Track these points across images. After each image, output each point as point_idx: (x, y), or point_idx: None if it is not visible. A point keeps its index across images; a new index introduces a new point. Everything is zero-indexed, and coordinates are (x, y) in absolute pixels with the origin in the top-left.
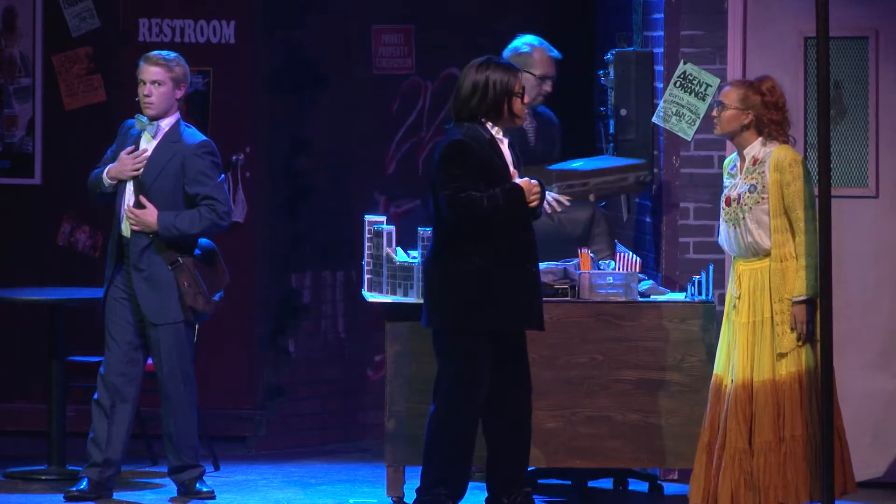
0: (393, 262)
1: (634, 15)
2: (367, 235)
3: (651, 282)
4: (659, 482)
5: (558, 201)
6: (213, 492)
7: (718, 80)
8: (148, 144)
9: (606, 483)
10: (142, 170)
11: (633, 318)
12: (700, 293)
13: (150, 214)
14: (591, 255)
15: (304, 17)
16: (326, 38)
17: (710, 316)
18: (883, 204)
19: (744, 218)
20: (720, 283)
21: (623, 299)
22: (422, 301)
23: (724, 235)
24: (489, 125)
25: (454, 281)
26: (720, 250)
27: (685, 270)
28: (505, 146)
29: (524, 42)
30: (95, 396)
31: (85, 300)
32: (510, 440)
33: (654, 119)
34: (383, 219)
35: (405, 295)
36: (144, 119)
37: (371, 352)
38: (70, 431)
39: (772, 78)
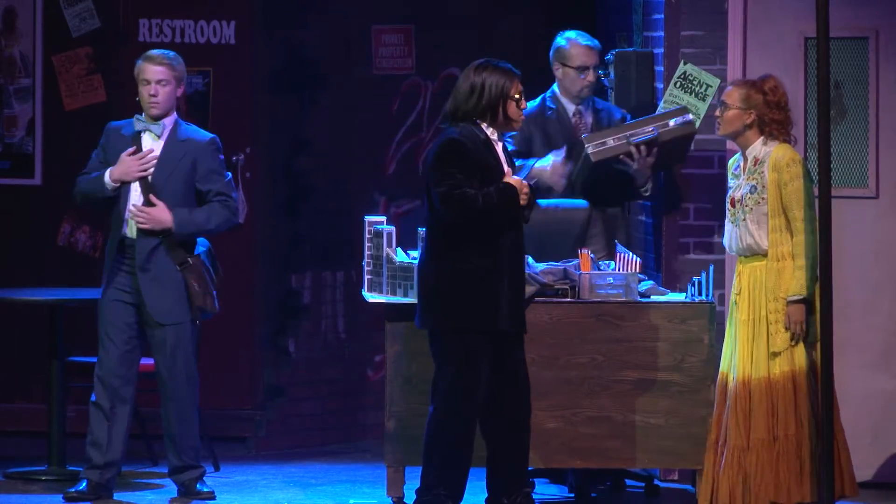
0: (393, 262)
1: (634, 15)
2: (367, 236)
3: (651, 282)
4: (656, 482)
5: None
6: (213, 492)
7: (719, 81)
8: (154, 144)
9: (604, 483)
10: (151, 170)
11: (633, 319)
12: (700, 293)
13: (164, 212)
14: (591, 255)
15: (304, 17)
16: (326, 38)
17: (711, 316)
18: (883, 204)
19: (744, 219)
20: (720, 283)
21: (623, 300)
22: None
23: (727, 235)
24: (484, 126)
25: (449, 281)
26: (720, 250)
27: (685, 271)
28: (500, 147)
29: (562, 37)
30: (94, 398)
31: (85, 300)
32: (509, 440)
33: None
34: (383, 219)
35: (405, 295)
36: (143, 118)
37: (371, 352)
38: (70, 431)
39: (774, 77)
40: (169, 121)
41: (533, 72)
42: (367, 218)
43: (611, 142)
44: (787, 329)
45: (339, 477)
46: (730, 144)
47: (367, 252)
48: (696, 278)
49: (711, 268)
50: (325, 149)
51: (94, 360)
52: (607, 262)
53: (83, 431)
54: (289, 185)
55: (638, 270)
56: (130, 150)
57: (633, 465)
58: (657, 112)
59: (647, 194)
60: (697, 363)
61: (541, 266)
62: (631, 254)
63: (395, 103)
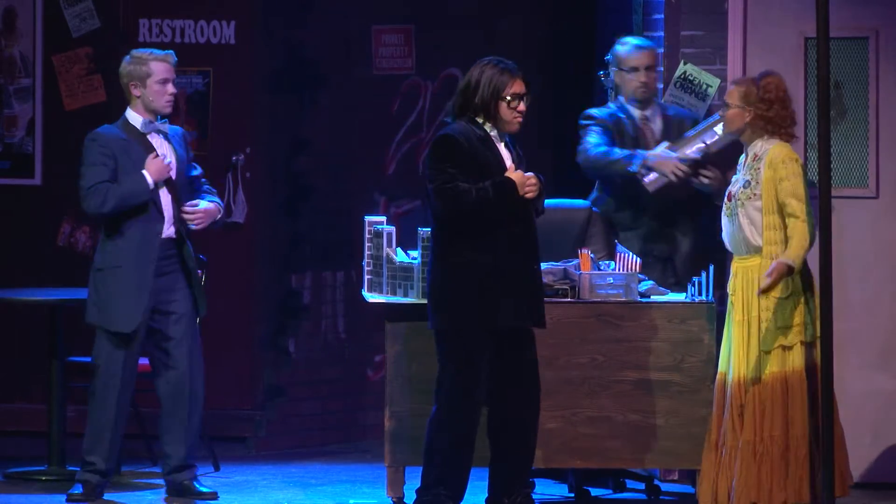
0: (393, 262)
1: (634, 15)
2: (367, 236)
3: (651, 282)
4: (656, 483)
5: (681, 169)
6: (216, 493)
7: (719, 81)
8: (161, 142)
9: (604, 483)
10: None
11: (633, 319)
12: (700, 293)
13: (209, 206)
14: (591, 255)
15: (304, 17)
16: (326, 38)
17: (711, 316)
18: (883, 204)
19: (736, 214)
20: (720, 283)
21: (623, 300)
22: (421, 301)
23: (724, 230)
24: (484, 123)
25: (448, 279)
26: (720, 251)
27: None
28: (502, 145)
29: (618, 41)
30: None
31: (85, 300)
32: (512, 441)
33: None
34: (383, 219)
35: (405, 295)
36: (144, 119)
37: (371, 352)
38: (70, 431)
39: (774, 75)
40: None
41: (533, 72)
42: (367, 218)
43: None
44: (767, 277)
45: (339, 477)
46: None
47: (367, 252)
48: (696, 278)
49: (711, 268)
50: (325, 149)
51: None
52: (607, 262)
53: (83, 431)
54: (289, 185)
55: (638, 270)
56: (155, 152)
57: (633, 465)
58: (699, 126)
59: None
60: (697, 363)
61: (541, 266)
62: (631, 254)
63: (395, 103)
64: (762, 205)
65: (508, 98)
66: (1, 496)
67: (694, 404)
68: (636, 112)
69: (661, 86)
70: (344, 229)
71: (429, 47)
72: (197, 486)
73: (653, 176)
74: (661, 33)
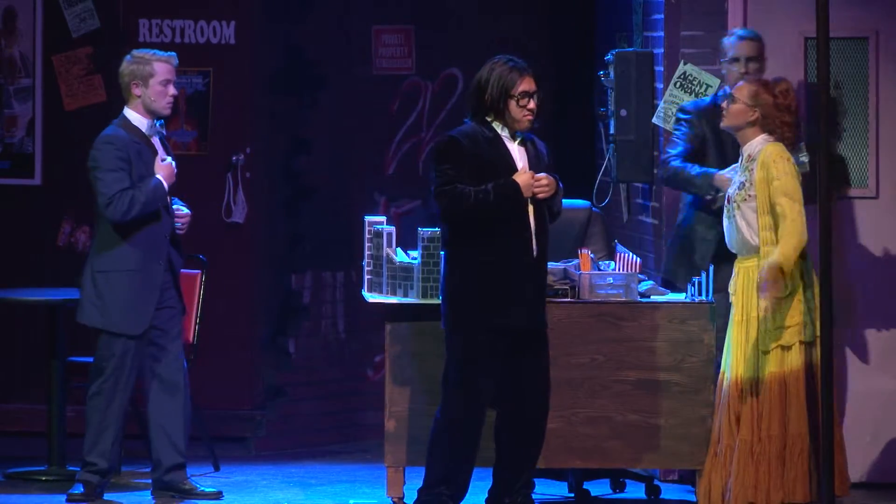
0: (393, 262)
1: (634, 15)
2: (367, 236)
3: (651, 282)
4: (656, 483)
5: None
6: (220, 492)
7: (718, 81)
8: (158, 144)
9: (604, 484)
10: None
11: (633, 319)
12: (700, 294)
13: (189, 211)
14: (591, 255)
15: (305, 17)
16: (326, 38)
17: (711, 316)
18: (883, 204)
19: (734, 216)
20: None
21: (623, 300)
22: (421, 301)
23: (725, 231)
24: (495, 124)
25: (461, 280)
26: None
27: None
28: (514, 145)
29: (728, 31)
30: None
31: (79, 301)
32: (520, 442)
33: (655, 119)
34: (383, 219)
35: (405, 295)
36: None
37: (371, 352)
38: (70, 432)
39: (787, 81)
40: None
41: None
42: (367, 218)
43: None
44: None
45: (339, 477)
46: None
47: (367, 252)
48: (696, 278)
49: (711, 268)
50: (325, 149)
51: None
52: (607, 262)
53: (83, 431)
54: (289, 185)
55: (638, 270)
56: (161, 156)
57: (633, 465)
58: None
59: None
60: (697, 363)
61: None
62: (631, 254)
63: (395, 103)
64: (756, 205)
65: (517, 96)
66: (1, 496)
67: (694, 404)
68: None
69: (660, 86)
70: (344, 229)
71: (429, 47)
72: (200, 486)
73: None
74: (661, 33)
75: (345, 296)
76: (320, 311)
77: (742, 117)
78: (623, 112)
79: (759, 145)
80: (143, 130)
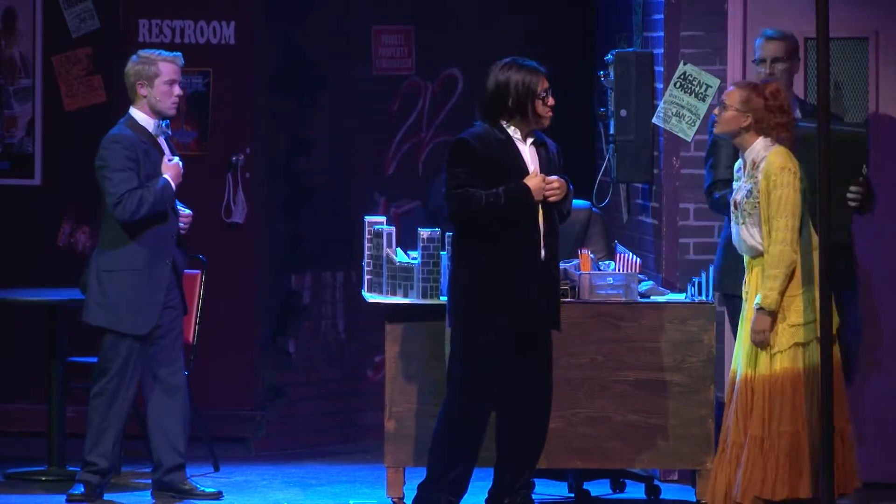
0: (393, 262)
1: (634, 16)
2: (367, 236)
3: (651, 282)
4: (656, 483)
5: None
6: (220, 492)
7: (718, 81)
8: (164, 144)
9: (604, 484)
10: None
11: (633, 319)
12: (700, 294)
13: (191, 212)
14: (591, 255)
15: (304, 17)
16: (326, 38)
17: (711, 317)
18: (882, 204)
19: (744, 222)
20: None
21: (623, 300)
22: (421, 301)
23: (734, 235)
24: (507, 126)
25: (468, 281)
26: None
27: (685, 271)
28: (526, 147)
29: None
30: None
31: (85, 301)
32: (522, 443)
33: (654, 120)
34: (383, 219)
35: (405, 295)
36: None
37: (371, 352)
38: (70, 432)
39: (777, 81)
40: None
41: None
42: (367, 218)
43: None
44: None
45: (339, 477)
46: None
47: (367, 252)
48: (695, 279)
49: (711, 268)
50: (325, 149)
51: (94, 360)
52: (607, 262)
53: (83, 432)
54: (289, 185)
55: (638, 271)
56: (168, 154)
57: (633, 465)
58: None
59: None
60: (697, 363)
61: None
62: (631, 254)
63: (395, 103)
64: (760, 214)
65: (543, 95)
66: (1, 496)
67: (694, 404)
68: None
69: (660, 86)
70: (344, 229)
71: (429, 47)
72: (200, 486)
73: None
74: (661, 33)
75: (345, 296)
76: (320, 312)
77: (735, 123)
78: (623, 112)
79: (762, 152)
80: (150, 130)
